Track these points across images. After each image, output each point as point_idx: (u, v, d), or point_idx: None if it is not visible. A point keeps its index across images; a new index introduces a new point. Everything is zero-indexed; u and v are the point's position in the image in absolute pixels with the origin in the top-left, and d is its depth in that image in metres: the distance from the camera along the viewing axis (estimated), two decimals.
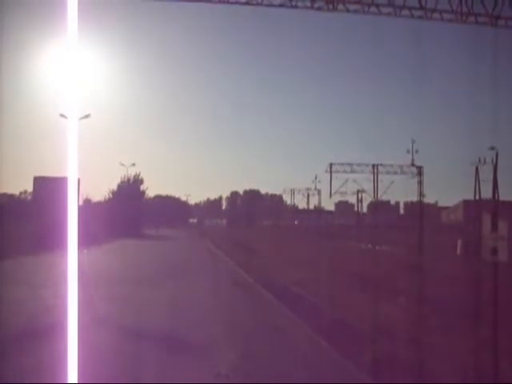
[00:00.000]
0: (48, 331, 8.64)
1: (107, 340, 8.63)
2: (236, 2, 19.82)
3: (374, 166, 44.93)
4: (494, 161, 32.82)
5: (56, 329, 7.41)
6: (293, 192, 62.68)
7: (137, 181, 62.57)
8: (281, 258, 26.02)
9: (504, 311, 10.08)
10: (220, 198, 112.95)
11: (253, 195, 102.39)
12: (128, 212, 55.48)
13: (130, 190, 61.13)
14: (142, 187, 63.48)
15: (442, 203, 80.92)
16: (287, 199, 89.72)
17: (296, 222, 76.89)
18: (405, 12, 20.25)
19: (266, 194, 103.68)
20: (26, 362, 7.14)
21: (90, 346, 6.82)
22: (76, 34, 3.88)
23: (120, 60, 75.61)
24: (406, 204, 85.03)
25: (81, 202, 46.11)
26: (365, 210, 59.81)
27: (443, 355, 7.74)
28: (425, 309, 11.38)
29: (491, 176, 32.62)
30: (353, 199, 56.99)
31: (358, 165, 45.24)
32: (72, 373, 3.78)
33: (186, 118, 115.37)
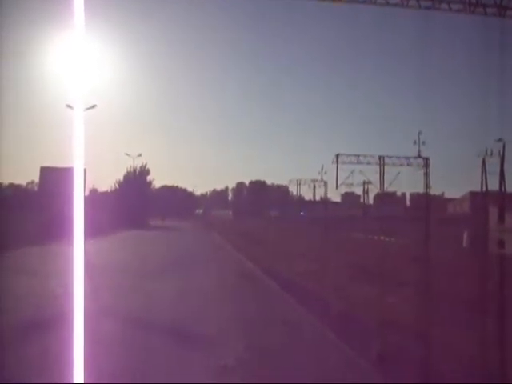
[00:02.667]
0: (55, 321, 8.69)
1: (112, 330, 8.69)
2: None
3: (380, 157, 44.92)
4: (501, 153, 32.74)
5: (63, 318, 7.45)
6: (299, 183, 62.79)
7: (143, 171, 62.73)
8: (286, 249, 26.04)
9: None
10: (226, 188, 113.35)
11: (259, 186, 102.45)
12: (134, 202, 55.67)
13: (136, 180, 61.31)
14: (149, 178, 63.76)
15: (448, 195, 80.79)
16: (293, 190, 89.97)
17: (302, 213, 76.88)
18: (412, 2, 20.14)
19: (272, 184, 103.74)
20: (33, 352, 7.20)
21: (95, 335, 6.86)
22: (82, 24, 3.87)
23: (127, 51, 75.65)
24: (412, 195, 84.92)
25: (87, 193, 46.36)
26: (371, 201, 59.85)
27: None
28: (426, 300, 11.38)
29: (498, 168, 32.54)
30: (359, 190, 57.08)
31: (365, 156, 45.20)
32: (78, 366, 3.80)
33: (193, 108, 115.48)
